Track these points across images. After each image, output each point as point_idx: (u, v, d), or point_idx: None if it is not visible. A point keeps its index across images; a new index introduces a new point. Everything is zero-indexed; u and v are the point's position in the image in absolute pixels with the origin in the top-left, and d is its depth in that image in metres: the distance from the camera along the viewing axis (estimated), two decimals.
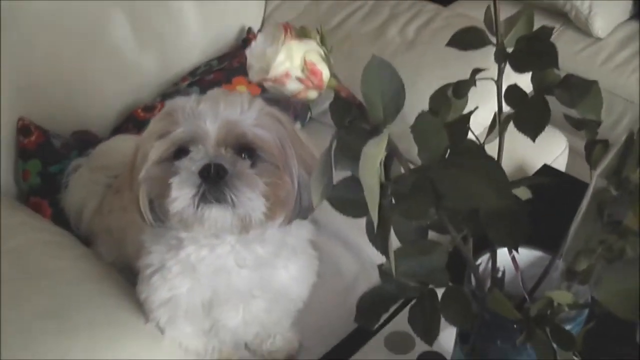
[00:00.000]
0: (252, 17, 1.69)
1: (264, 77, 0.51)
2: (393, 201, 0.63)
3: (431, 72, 1.37)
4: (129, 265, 1.05)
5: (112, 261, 1.12)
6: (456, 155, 0.63)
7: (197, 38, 1.58)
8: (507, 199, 0.60)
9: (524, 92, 0.80)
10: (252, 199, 0.83)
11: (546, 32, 0.76)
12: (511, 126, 0.76)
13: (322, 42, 0.54)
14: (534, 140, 0.79)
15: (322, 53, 0.52)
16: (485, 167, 0.61)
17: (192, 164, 0.82)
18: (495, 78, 0.77)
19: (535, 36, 0.74)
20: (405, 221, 0.68)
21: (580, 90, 0.71)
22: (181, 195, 0.81)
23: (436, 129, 0.65)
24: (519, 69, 0.75)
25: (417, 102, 0.66)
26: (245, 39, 1.62)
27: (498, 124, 0.80)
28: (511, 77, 0.75)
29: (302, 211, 0.90)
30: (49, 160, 1.29)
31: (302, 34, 0.54)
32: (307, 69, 0.51)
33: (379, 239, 0.63)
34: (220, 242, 0.90)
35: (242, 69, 1.52)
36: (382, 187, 0.63)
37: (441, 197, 0.61)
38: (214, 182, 0.81)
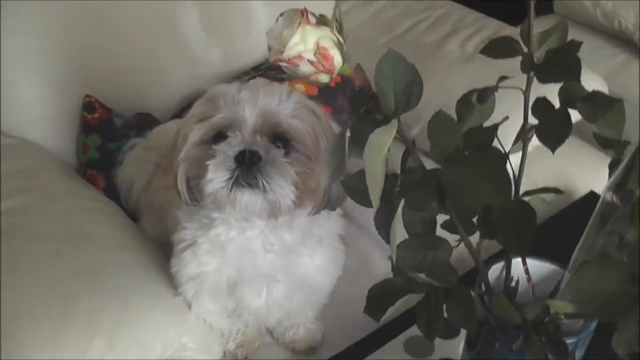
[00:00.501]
0: None
1: (280, 57, 0.55)
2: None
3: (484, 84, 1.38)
4: (169, 241, 1.10)
5: (155, 237, 1.18)
6: (462, 152, 0.65)
7: (264, 35, 1.62)
8: (505, 195, 0.61)
9: (551, 104, 0.81)
10: (282, 186, 0.87)
11: (574, 45, 0.77)
12: (561, 149, 0.77)
13: (339, 32, 0.57)
14: (553, 152, 0.79)
15: (336, 40, 0.55)
16: (487, 164, 0.63)
17: (228, 148, 0.86)
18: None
19: (562, 49, 0.75)
20: (414, 214, 0.70)
21: (603, 106, 0.71)
22: (216, 177, 0.86)
23: (449, 128, 0.67)
24: (543, 79, 0.76)
25: None
26: None
27: (523, 134, 0.81)
28: (543, 89, 0.76)
29: (331, 202, 0.93)
30: (108, 137, 1.36)
31: (321, 21, 0.57)
32: (319, 52, 0.53)
33: (382, 227, 0.65)
34: (250, 225, 0.93)
35: None
36: (394, 177, 0.66)
37: (444, 191, 0.62)
38: (248, 168, 0.85)
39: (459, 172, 0.63)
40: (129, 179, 1.27)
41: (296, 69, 0.55)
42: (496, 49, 0.83)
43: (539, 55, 0.77)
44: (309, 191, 0.90)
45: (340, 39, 0.56)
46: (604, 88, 1.46)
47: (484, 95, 0.77)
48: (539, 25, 0.79)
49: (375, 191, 0.59)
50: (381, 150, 0.59)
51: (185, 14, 1.50)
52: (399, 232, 0.71)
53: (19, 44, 1.31)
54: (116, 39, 1.40)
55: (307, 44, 0.53)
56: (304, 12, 0.54)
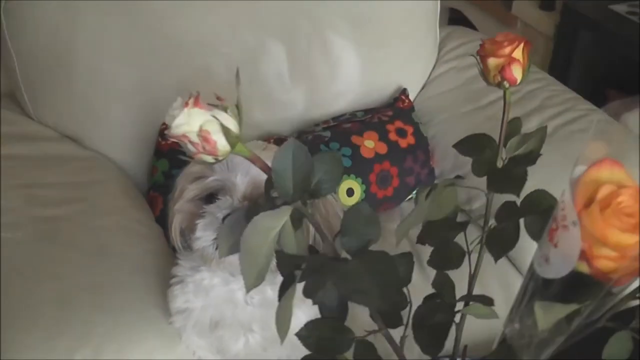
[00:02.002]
0: (414, 79, 1.74)
1: (169, 133, 0.59)
2: None
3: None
4: None
5: None
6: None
7: (350, 87, 1.66)
8: (389, 303, 0.61)
9: (515, 210, 0.78)
10: None
11: (531, 157, 0.75)
12: None
13: (236, 115, 0.60)
14: (495, 262, 0.77)
15: (227, 125, 0.58)
16: (383, 266, 0.63)
17: (217, 210, 0.93)
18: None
19: (518, 160, 0.73)
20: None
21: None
22: (204, 236, 0.93)
23: (367, 220, 0.67)
24: (490, 187, 0.74)
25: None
26: (397, 98, 1.68)
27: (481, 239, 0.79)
28: None
29: None
30: (174, 163, 1.46)
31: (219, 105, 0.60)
32: (201, 136, 0.57)
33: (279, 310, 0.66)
34: (235, 279, 0.98)
35: (378, 125, 1.57)
36: (299, 259, 0.67)
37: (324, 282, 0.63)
38: None
39: (350, 266, 0.63)
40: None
41: (185, 146, 0.59)
42: (469, 144, 0.82)
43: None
44: None
45: (235, 124, 0.59)
46: None
47: (437, 191, 0.75)
48: None
49: (250, 274, 0.61)
50: (266, 235, 0.61)
51: (272, 56, 1.57)
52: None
53: (114, 68, 1.46)
54: (196, 73, 1.49)
55: (191, 126, 0.57)
56: (198, 96, 0.58)
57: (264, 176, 0.95)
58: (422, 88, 1.75)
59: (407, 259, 0.75)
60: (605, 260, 0.44)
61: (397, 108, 1.64)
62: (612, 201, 0.44)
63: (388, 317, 0.72)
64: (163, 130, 1.49)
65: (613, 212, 0.44)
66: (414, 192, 1.57)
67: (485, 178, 1.26)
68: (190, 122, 0.57)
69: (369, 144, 1.54)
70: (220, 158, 0.60)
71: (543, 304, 0.49)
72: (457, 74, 1.72)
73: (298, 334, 0.71)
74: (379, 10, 1.64)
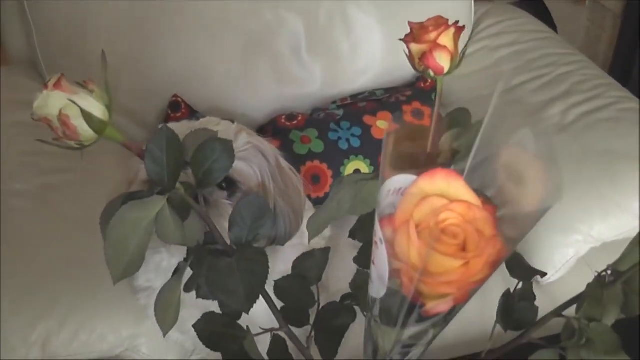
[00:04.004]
0: None
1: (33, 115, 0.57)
2: None
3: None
4: None
5: None
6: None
7: (371, 65, 1.60)
8: (249, 304, 0.57)
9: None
10: (222, 228, 0.88)
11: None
12: None
13: (104, 98, 0.57)
14: None
15: (90, 110, 0.55)
16: (258, 266, 0.59)
17: None
18: None
19: None
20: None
21: None
22: None
23: (258, 214, 0.63)
24: None
25: None
26: (420, 77, 1.60)
27: None
28: None
29: (278, 239, 0.94)
30: None
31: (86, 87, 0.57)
32: (61, 120, 0.54)
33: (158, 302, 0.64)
34: None
35: (394, 105, 1.51)
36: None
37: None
38: None
39: (228, 266, 0.60)
40: None
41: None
42: None
43: None
44: None
45: (101, 108, 0.56)
46: None
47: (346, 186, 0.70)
48: None
49: (117, 265, 0.58)
50: (135, 225, 0.58)
51: (288, 29, 1.52)
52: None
53: (128, 38, 1.46)
54: (212, 45, 1.47)
55: (50, 109, 0.54)
56: (61, 78, 0.55)
57: None
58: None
59: (324, 255, 0.71)
60: (422, 284, 0.39)
61: (417, 88, 1.57)
62: (436, 218, 0.38)
63: (293, 315, 0.68)
64: (173, 102, 1.49)
65: (431, 232, 0.38)
66: None
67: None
68: (49, 105, 0.54)
69: (381, 125, 1.48)
70: (85, 144, 0.57)
71: (378, 325, 0.44)
72: (488, 53, 1.63)
73: (194, 326, 0.68)
74: None
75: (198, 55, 1.49)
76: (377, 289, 0.42)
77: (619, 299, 0.59)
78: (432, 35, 0.64)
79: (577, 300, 0.62)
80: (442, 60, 0.65)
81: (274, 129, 1.50)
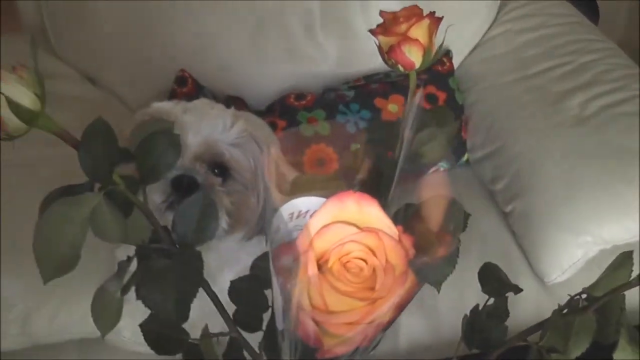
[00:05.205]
0: (464, 40, 1.58)
1: None
2: None
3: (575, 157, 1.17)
4: None
5: None
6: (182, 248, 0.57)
7: None
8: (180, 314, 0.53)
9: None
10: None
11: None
12: None
13: (36, 87, 0.53)
14: None
15: (18, 99, 0.52)
16: (194, 271, 0.55)
17: None
18: None
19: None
20: None
21: None
22: (150, 199, 0.87)
23: (202, 214, 0.60)
24: None
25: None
26: (440, 60, 1.53)
27: None
28: None
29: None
30: None
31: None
32: None
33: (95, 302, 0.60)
34: None
35: (407, 89, 1.45)
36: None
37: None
38: (184, 193, 0.86)
39: (163, 269, 0.56)
40: None
41: None
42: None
43: None
44: (242, 219, 0.91)
45: (32, 96, 0.52)
46: None
47: None
48: None
49: (47, 265, 0.55)
50: (67, 223, 0.55)
51: (302, 6, 1.47)
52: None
53: (137, 9, 1.42)
54: (222, 19, 1.43)
55: None
56: None
57: (217, 136, 0.91)
58: (473, 50, 1.58)
59: None
60: (320, 324, 0.34)
61: (433, 71, 1.49)
62: (340, 250, 0.34)
63: (245, 319, 0.65)
64: (180, 77, 1.45)
65: (330, 268, 0.33)
66: (439, 164, 1.44)
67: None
68: None
69: (392, 108, 1.42)
70: (15, 134, 0.53)
71: None
72: (512, 37, 1.54)
73: (141, 326, 0.65)
74: None
75: (207, 29, 1.44)
76: (279, 321, 0.37)
77: (591, 327, 0.54)
78: (403, 27, 0.59)
79: (540, 327, 0.57)
80: (413, 55, 0.59)
81: (282, 108, 1.46)
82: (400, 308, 0.33)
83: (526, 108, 1.34)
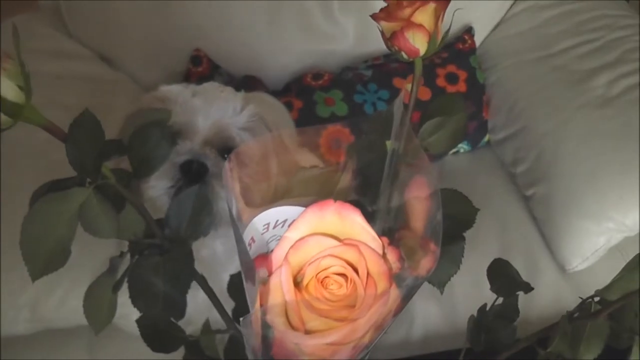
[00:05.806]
0: (486, 17, 1.52)
1: None
2: None
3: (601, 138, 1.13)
4: None
5: None
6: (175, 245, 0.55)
7: None
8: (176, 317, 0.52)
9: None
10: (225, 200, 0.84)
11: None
12: None
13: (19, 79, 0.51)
14: None
15: (5, 89, 0.50)
16: (186, 269, 0.53)
17: (175, 156, 0.84)
18: None
19: None
20: None
21: None
22: (158, 184, 0.85)
23: (199, 209, 0.57)
24: None
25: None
26: (459, 37, 1.48)
27: None
28: None
29: None
30: None
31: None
32: None
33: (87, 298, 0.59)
34: None
35: (427, 68, 1.41)
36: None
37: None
38: (193, 179, 0.84)
39: (154, 267, 0.54)
40: None
41: None
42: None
43: None
44: None
45: (15, 88, 0.50)
46: None
47: None
48: None
49: (35, 262, 0.53)
50: (54, 220, 0.53)
51: None
52: None
53: None
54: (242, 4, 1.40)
55: None
56: None
57: (227, 120, 0.88)
58: (496, 27, 1.53)
59: None
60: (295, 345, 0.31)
61: (454, 49, 1.45)
62: (317, 264, 0.31)
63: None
64: (194, 56, 1.43)
65: (306, 285, 0.30)
66: (458, 145, 1.40)
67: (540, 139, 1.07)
68: None
69: (408, 87, 1.38)
70: (2, 127, 0.51)
71: None
72: (536, 13, 1.48)
73: (137, 321, 0.63)
74: None
75: (223, 8, 1.41)
76: (247, 339, 0.35)
77: (604, 332, 0.51)
78: (406, 12, 0.55)
79: (550, 330, 0.54)
80: (417, 41, 0.56)
81: (298, 88, 1.43)
82: (381, 329, 0.31)
83: (549, 88, 1.30)
